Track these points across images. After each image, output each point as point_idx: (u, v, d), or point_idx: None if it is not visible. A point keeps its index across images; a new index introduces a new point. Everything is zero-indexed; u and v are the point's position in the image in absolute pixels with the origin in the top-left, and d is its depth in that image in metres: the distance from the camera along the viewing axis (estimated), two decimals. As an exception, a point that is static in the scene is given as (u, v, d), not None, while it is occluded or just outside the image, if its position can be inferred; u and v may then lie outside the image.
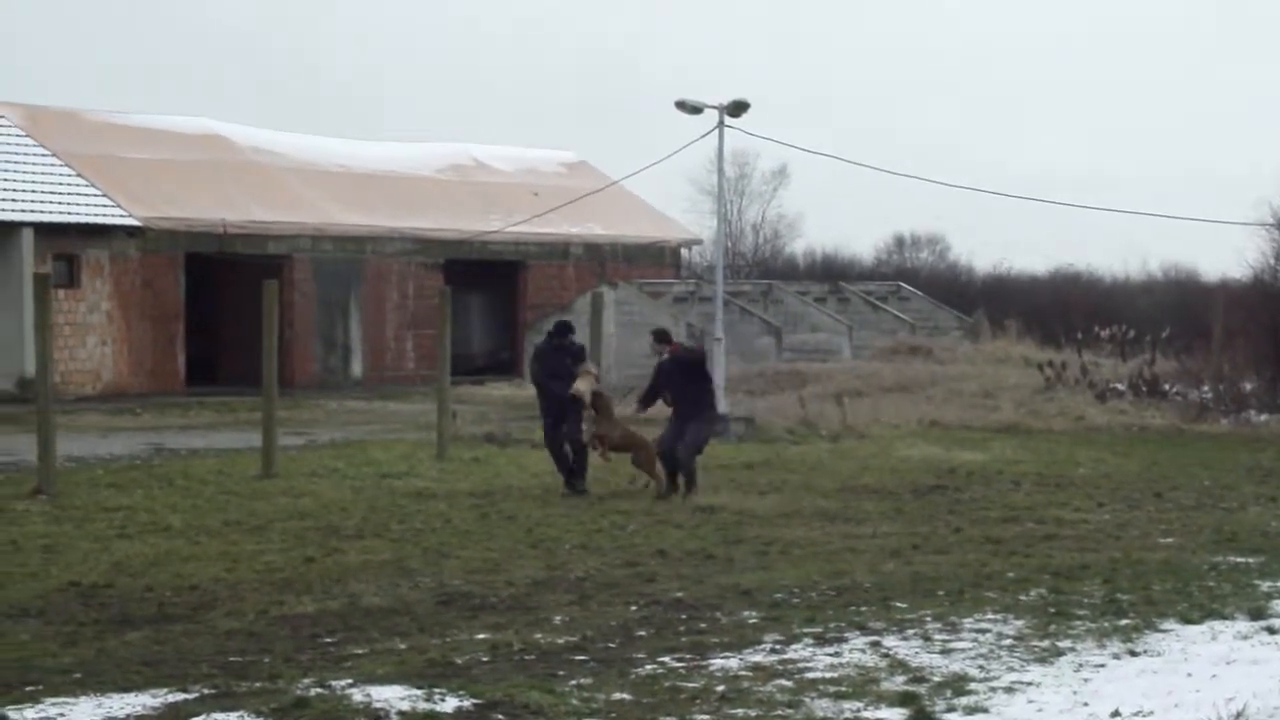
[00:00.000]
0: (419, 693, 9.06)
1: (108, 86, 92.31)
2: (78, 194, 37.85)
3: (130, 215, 38.15)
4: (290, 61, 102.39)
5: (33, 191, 36.94)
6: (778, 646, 10.55)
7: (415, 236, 44.75)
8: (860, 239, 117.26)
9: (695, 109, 29.69)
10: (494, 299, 48.21)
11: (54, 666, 10.04)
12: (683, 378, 19.03)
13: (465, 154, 51.75)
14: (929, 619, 11.45)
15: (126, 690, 9.28)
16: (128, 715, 8.73)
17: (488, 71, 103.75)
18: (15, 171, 37.32)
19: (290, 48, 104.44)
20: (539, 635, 10.92)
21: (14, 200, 36.27)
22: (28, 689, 9.36)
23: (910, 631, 11.01)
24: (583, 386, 19.07)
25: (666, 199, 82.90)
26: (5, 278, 35.60)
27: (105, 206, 38.00)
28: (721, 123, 29.44)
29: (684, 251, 54.38)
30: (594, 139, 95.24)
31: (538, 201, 46.90)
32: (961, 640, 10.72)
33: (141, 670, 9.90)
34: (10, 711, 8.75)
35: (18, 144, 38.60)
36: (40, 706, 8.88)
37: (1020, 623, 11.31)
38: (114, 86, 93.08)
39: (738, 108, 29.43)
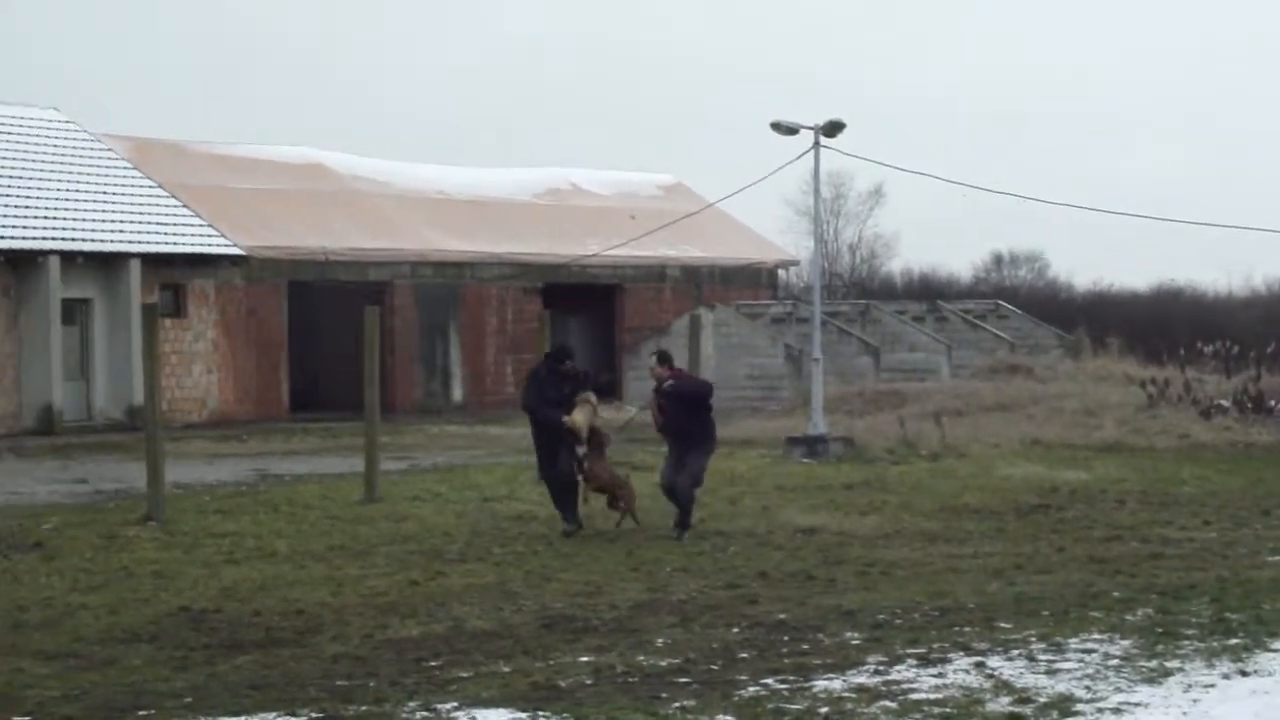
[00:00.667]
0: (523, 715, 9.12)
1: (212, 118, 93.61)
2: (183, 224, 38.43)
3: (235, 245, 38.67)
4: (388, 91, 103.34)
5: (140, 222, 37.56)
6: (881, 668, 10.52)
7: (514, 261, 45.04)
8: (958, 258, 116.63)
9: (791, 130, 29.65)
10: (592, 322, 48.39)
11: (166, 691, 10.18)
12: (684, 410, 17.51)
13: (563, 178, 52.04)
14: (1033, 639, 11.37)
15: (236, 714, 9.40)
16: (238, 739, 8.85)
17: (585, 96, 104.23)
18: (123, 203, 37.96)
19: (388, 78, 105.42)
20: (642, 658, 10.95)
21: (122, 231, 36.89)
22: (140, 713, 9.50)
23: (1015, 652, 10.95)
24: (579, 418, 17.63)
25: (763, 220, 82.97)
26: (114, 307, 36.20)
27: (210, 236, 38.55)
28: (817, 143, 29.39)
29: (780, 272, 54.36)
30: (690, 161, 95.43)
31: (635, 224, 47.02)
32: (1067, 661, 10.64)
33: (250, 694, 10.02)
34: (124, 735, 8.89)
35: (125, 175, 39.28)
36: (153, 731, 9.02)
37: (1127, 643, 11.21)
38: (218, 118, 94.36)
39: (833, 128, 29.38)
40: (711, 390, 18.14)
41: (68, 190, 37.38)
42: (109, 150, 40.23)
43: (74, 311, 35.71)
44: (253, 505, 20.44)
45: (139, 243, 36.89)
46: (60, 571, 15.09)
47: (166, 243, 37.53)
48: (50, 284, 34.78)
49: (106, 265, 36.25)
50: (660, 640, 11.61)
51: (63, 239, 35.52)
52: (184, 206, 39.03)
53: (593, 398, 17.95)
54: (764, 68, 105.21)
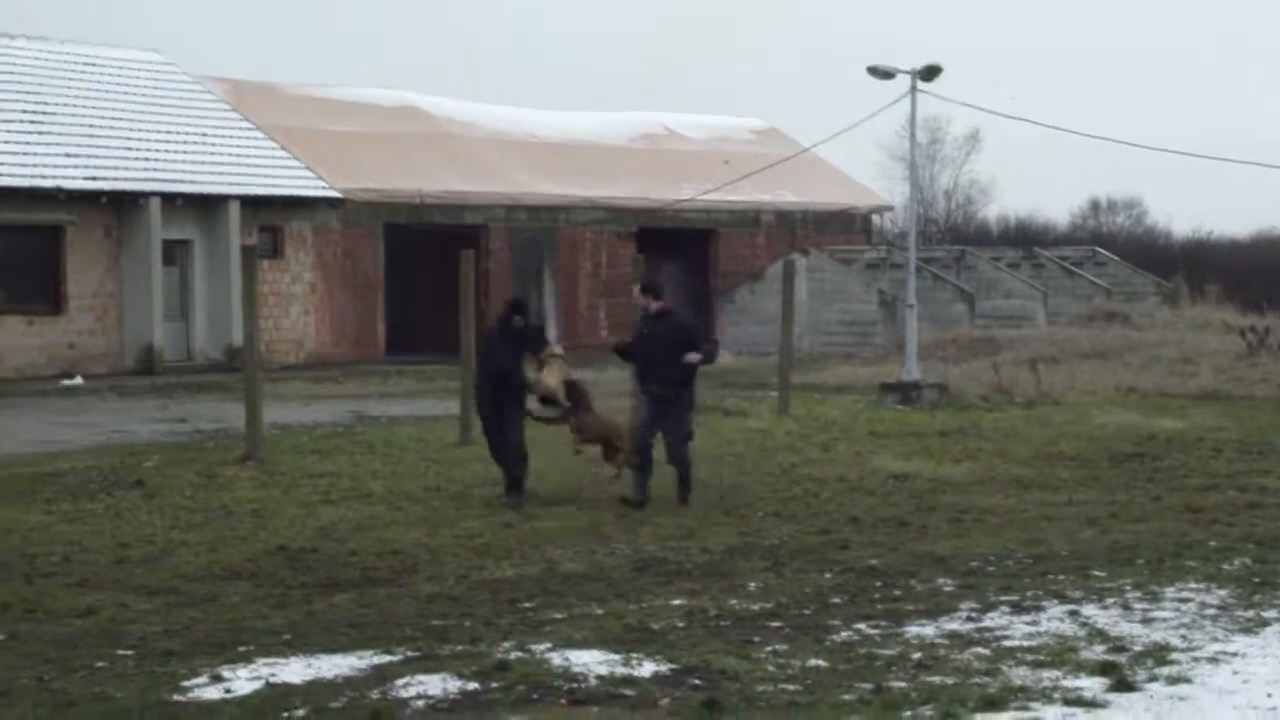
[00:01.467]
0: (616, 657, 9.19)
1: (309, 59, 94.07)
2: (281, 167, 38.71)
3: (331, 187, 38.92)
4: (484, 33, 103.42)
5: (238, 165, 37.87)
6: (974, 615, 10.52)
7: (608, 205, 45.05)
8: (1054, 204, 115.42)
9: (887, 74, 29.40)
10: (685, 267, 48.32)
11: (264, 628, 10.35)
12: (673, 346, 15.62)
13: (657, 123, 51.95)
14: (1128, 588, 11.32)
15: (334, 652, 9.53)
16: (336, 676, 8.96)
17: (679, 41, 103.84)
18: (222, 145, 38.29)
19: (484, 19, 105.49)
20: (734, 601, 11.00)
21: (221, 174, 37.23)
22: (240, 649, 9.66)
23: (1109, 600, 10.90)
24: (552, 381, 15.99)
25: (858, 165, 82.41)
26: (213, 249, 36.56)
27: (307, 179, 38.82)
28: (914, 88, 29.13)
29: (875, 218, 54.05)
30: (785, 106, 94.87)
31: (729, 169, 46.89)
32: (1162, 610, 10.59)
33: (347, 632, 10.17)
34: (224, 670, 9.04)
35: (223, 118, 39.60)
36: (253, 666, 9.16)
37: (1223, 592, 11.13)
38: (314, 59, 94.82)
39: (930, 72, 29.09)
40: (700, 330, 16.72)
41: (168, 132, 37.73)
42: (208, 93, 40.55)
43: (174, 253, 36.11)
44: (349, 446, 20.65)
45: (238, 185, 37.20)
46: (161, 509, 15.33)
47: (265, 185, 37.82)
48: (151, 225, 35.17)
49: (206, 207, 36.60)
50: (752, 584, 11.66)
51: (163, 181, 35.86)
52: (282, 149, 39.30)
53: (560, 349, 16.64)
54: (860, 10, 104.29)
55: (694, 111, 53.68)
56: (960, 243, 56.99)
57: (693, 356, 15.48)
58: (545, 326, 16.60)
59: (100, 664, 9.32)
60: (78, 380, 32.18)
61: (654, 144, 50.21)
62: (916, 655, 9.34)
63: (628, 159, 48.17)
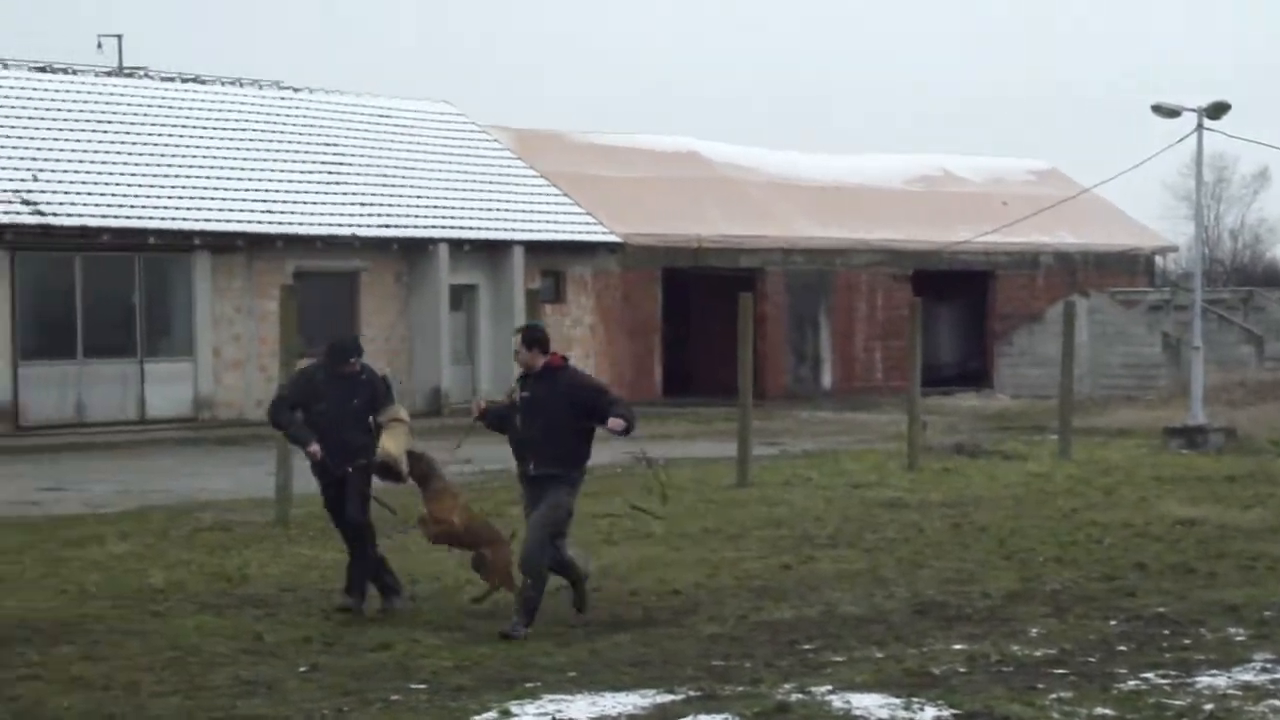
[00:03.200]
0: (897, 701, 9.18)
1: (591, 108, 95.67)
2: (563, 212, 39.54)
3: (611, 232, 39.58)
4: (761, 79, 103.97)
5: (523, 211, 38.79)
6: (1269, 665, 10.24)
7: (884, 248, 44.92)
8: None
9: (1172, 112, 28.82)
10: (963, 309, 47.92)
11: (550, 665, 10.57)
12: (562, 412, 11.86)
13: (934, 165, 51.66)
14: None
15: (618, 690, 9.69)
16: (619, 714, 9.11)
17: (954, 83, 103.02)
18: (507, 192, 39.30)
19: (761, 65, 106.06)
20: (1016, 647, 10.90)
21: (506, 220, 38.18)
22: (527, 685, 9.89)
23: None
24: (392, 447, 12.31)
25: (1139, 205, 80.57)
26: (498, 293, 37.48)
27: (588, 224, 39.56)
28: (1200, 125, 28.49)
29: (1158, 259, 52.86)
30: (1063, 146, 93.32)
31: (1007, 210, 46.36)
32: None
33: (630, 671, 10.33)
34: (513, 706, 9.26)
35: (509, 165, 40.64)
36: (539, 703, 9.36)
37: None
38: (597, 107, 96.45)
39: (1217, 109, 28.43)
40: (605, 391, 12.32)
41: (456, 180, 38.86)
42: (494, 141, 41.66)
43: (460, 297, 37.11)
44: (627, 487, 20.92)
45: (522, 231, 38.10)
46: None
47: (547, 231, 38.67)
48: (439, 271, 36.22)
49: (491, 252, 37.54)
50: (1035, 630, 11.53)
51: (451, 227, 36.94)
52: (564, 195, 40.14)
53: (403, 413, 12.74)
54: (1141, 47, 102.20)
55: (973, 153, 53.21)
56: (1247, 283, 55.39)
57: (614, 424, 11.66)
58: (386, 377, 13.07)
59: (395, 697, 9.63)
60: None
61: (931, 186, 49.91)
62: (1209, 707, 9.13)
63: (904, 201, 47.98)
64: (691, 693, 9.58)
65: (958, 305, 47.64)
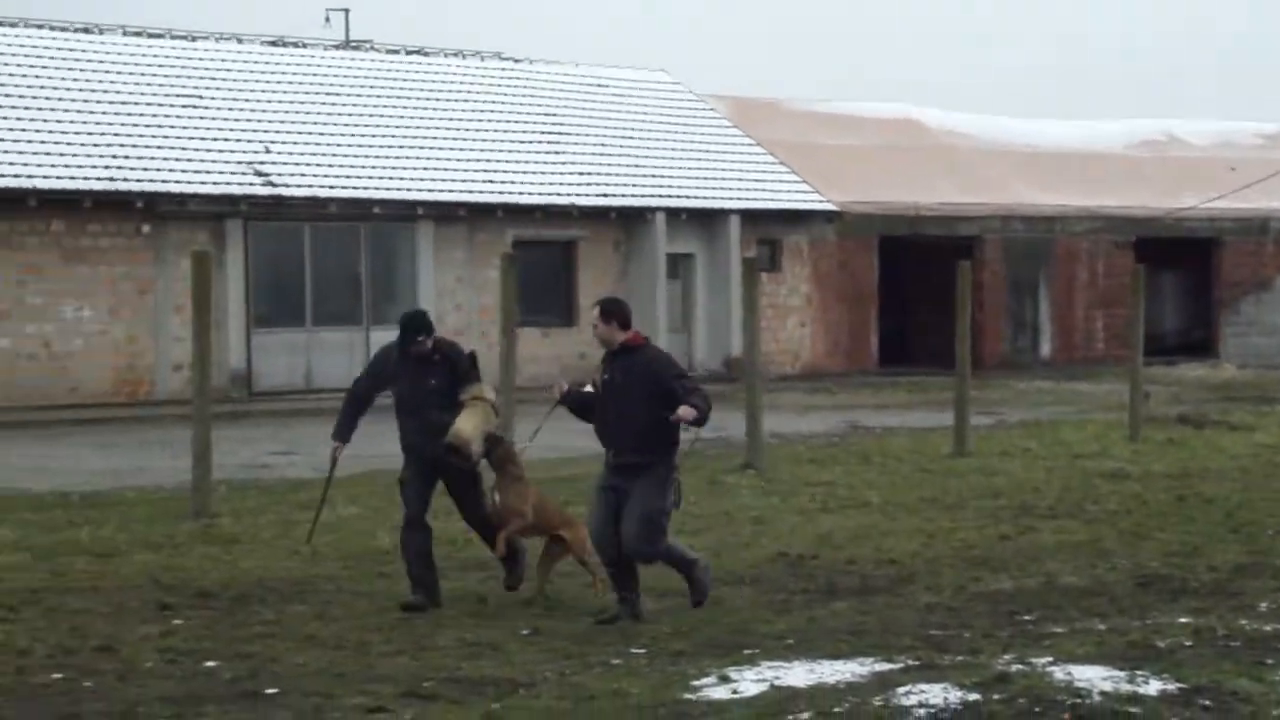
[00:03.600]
0: (1120, 674, 9.08)
1: (808, 74, 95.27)
2: (779, 181, 39.52)
3: (828, 200, 39.46)
4: (979, 42, 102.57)
5: (739, 180, 38.87)
6: None
7: (1105, 215, 44.11)
8: None
9: None
10: (1187, 277, 46.86)
11: (768, 632, 10.66)
12: (639, 395, 10.99)
13: (1159, 129, 50.56)
14: None
15: (835, 658, 9.73)
16: (838, 681, 9.16)
17: (1185, 46, 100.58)
18: (723, 161, 39.40)
19: (991, 30, 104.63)
20: (1244, 621, 10.70)
21: (723, 188, 38.30)
22: (745, 652, 9.98)
23: None
24: (466, 427, 11.42)
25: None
26: (714, 262, 37.64)
27: (805, 193, 39.50)
28: None
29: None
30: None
31: (1235, 176, 45.19)
32: None
33: (848, 639, 10.37)
34: (731, 671, 9.37)
35: (726, 134, 40.74)
36: (758, 669, 9.45)
37: None
38: (813, 73, 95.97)
39: None
40: (682, 369, 11.40)
41: (673, 149, 39.07)
42: (711, 110, 41.77)
43: (677, 266, 37.33)
44: (844, 456, 20.95)
45: (738, 199, 38.19)
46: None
47: (764, 199, 38.70)
48: (656, 240, 36.46)
49: (707, 221, 37.69)
50: (1263, 605, 11.30)
51: (668, 196, 37.15)
52: (780, 164, 40.11)
53: (488, 390, 11.81)
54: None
55: (1199, 118, 51.96)
56: None
57: (684, 412, 10.76)
58: (474, 354, 12.02)
59: (615, 660, 9.80)
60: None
61: (1154, 151, 48.84)
62: None
63: (1126, 167, 47.04)
64: (910, 662, 9.60)
65: (1182, 273, 46.58)
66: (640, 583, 11.21)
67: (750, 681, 9.16)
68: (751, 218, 38.04)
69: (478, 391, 11.67)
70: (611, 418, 11.02)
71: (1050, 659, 9.51)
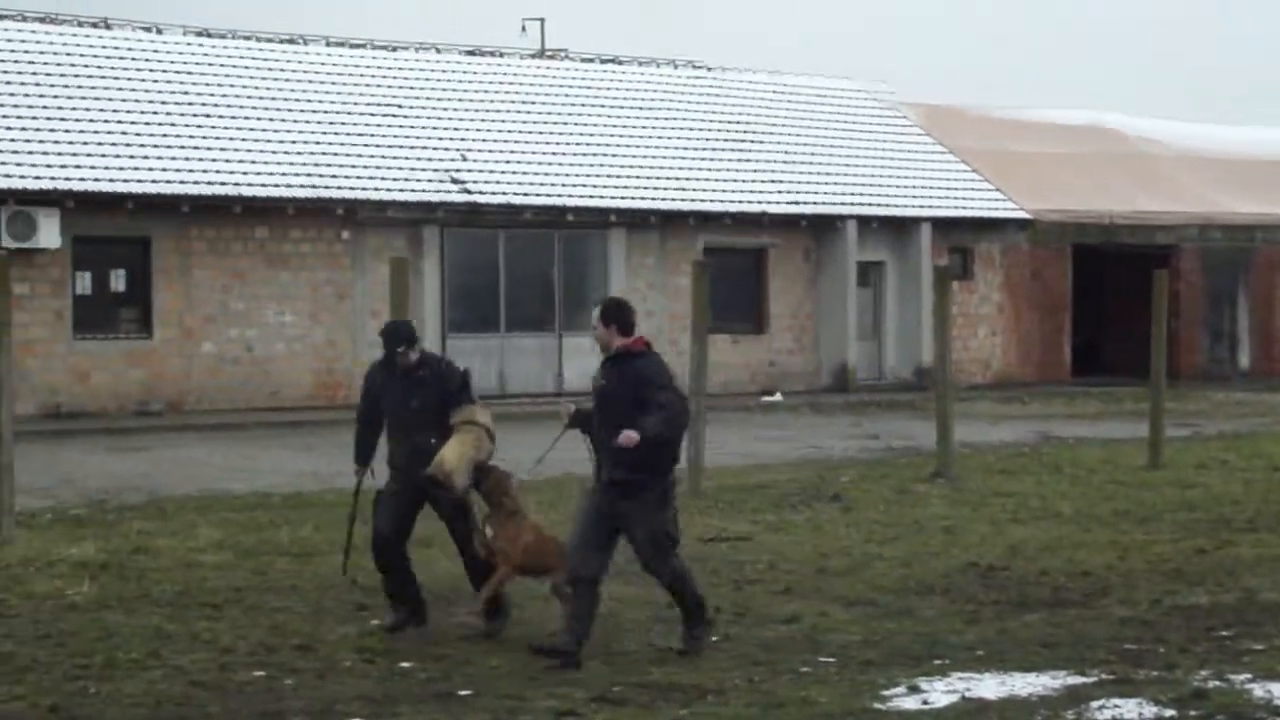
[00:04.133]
0: (1322, 694, 8.93)
1: (998, 81, 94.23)
2: (971, 189, 39.20)
3: (1021, 208, 39.03)
4: (1179, 50, 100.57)
5: (929, 188, 38.63)
6: None
7: (1308, 222, 43.05)
8: None
9: None
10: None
11: (958, 643, 10.61)
12: (628, 406, 9.88)
13: (1365, 134, 49.20)
14: None
15: (1027, 670, 9.68)
16: (1029, 694, 9.11)
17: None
18: (915, 168, 39.19)
19: (1177, 36, 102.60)
20: None
21: (914, 196, 38.09)
22: (935, 662, 9.96)
23: None
24: (451, 456, 10.45)
25: None
26: (905, 270, 37.45)
27: (997, 200, 39.12)
28: None
29: None
30: None
31: None
32: None
33: (1040, 651, 10.29)
34: (921, 682, 9.37)
35: (916, 141, 40.51)
36: (948, 680, 9.44)
37: None
38: (1004, 81, 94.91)
39: None
40: (665, 380, 10.05)
41: (864, 157, 38.94)
42: (902, 118, 41.55)
43: (868, 274, 37.20)
44: (1036, 466, 20.73)
45: (929, 207, 37.95)
46: (856, 523, 15.91)
47: (955, 207, 38.42)
48: (847, 247, 36.36)
49: (899, 229, 37.50)
50: None
51: (858, 204, 37.04)
52: (972, 171, 39.78)
53: (481, 414, 10.81)
54: None
55: None
56: None
57: (624, 439, 9.71)
58: (466, 373, 11.18)
59: (804, 669, 9.84)
60: (777, 397, 33.71)
61: (1362, 156, 47.53)
62: None
63: (1331, 174, 45.84)
64: (1103, 675, 9.51)
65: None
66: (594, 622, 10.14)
67: (940, 692, 9.15)
68: (943, 225, 37.78)
69: (469, 414, 10.69)
70: (604, 429, 9.97)
71: (1249, 676, 9.37)
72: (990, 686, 9.28)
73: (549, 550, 10.54)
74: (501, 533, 10.49)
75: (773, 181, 36.65)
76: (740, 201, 35.65)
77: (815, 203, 36.53)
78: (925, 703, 8.96)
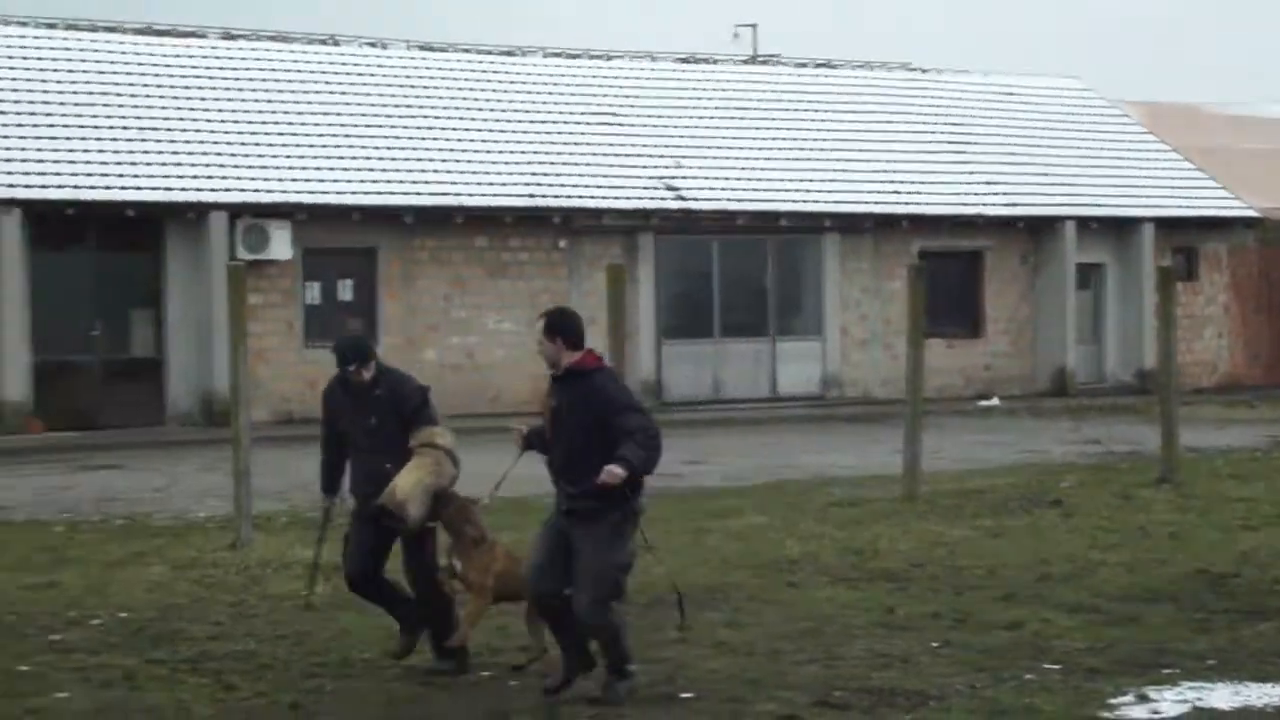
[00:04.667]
0: None
1: (1224, 80, 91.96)
2: (1196, 188, 38.37)
3: (1249, 207, 38.10)
4: None
5: (1152, 187, 37.87)
6: None
7: None
8: None
9: None
10: None
11: (1187, 651, 10.38)
12: (586, 428, 9.04)
13: None
14: None
15: (1262, 680, 9.44)
16: (1266, 705, 8.90)
17: None
18: (1137, 167, 38.46)
19: None
20: None
21: (1136, 196, 37.38)
22: (1164, 671, 9.77)
23: None
24: (406, 484, 9.58)
25: None
26: (1126, 272, 36.77)
27: (1223, 199, 38.23)
28: None
29: None
30: None
31: None
32: None
33: (1275, 662, 10.01)
34: (1150, 691, 9.20)
35: (1139, 141, 39.76)
36: (1178, 689, 9.25)
37: None
38: (1231, 80, 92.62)
39: None
40: (631, 401, 9.17)
41: (1083, 157, 38.29)
42: (1124, 116, 40.82)
43: (1087, 276, 36.58)
44: (1267, 471, 20.19)
45: (1152, 207, 37.21)
46: (1079, 528, 15.65)
47: (1178, 207, 37.61)
48: (1065, 249, 35.80)
49: (1119, 230, 36.83)
50: None
51: (1078, 205, 36.45)
52: (1197, 169, 38.92)
53: (441, 436, 9.95)
54: None
55: None
56: None
57: (607, 477, 8.81)
58: (426, 390, 10.15)
59: (1028, 676, 9.71)
60: (994, 401, 33.33)
61: None
62: None
63: None
64: (1340, 689, 9.26)
65: None
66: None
67: (1170, 702, 8.98)
68: (1166, 226, 37.00)
69: (428, 436, 9.81)
70: (558, 453, 9.18)
71: None
72: (1224, 697, 9.09)
73: (523, 574, 9.53)
74: (470, 565, 9.64)
75: (988, 183, 36.22)
76: (955, 204, 35.30)
77: (1032, 204, 36.04)
78: (1155, 712, 8.81)
